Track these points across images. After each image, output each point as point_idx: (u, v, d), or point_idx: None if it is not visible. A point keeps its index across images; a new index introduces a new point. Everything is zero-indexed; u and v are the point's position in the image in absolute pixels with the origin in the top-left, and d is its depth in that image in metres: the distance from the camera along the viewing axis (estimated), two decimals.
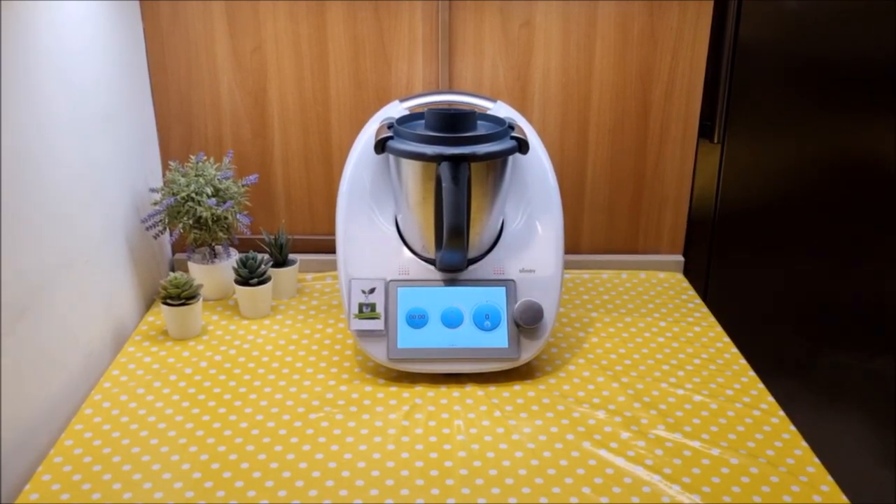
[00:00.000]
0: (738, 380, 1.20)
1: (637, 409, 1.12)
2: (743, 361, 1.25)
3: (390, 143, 1.16)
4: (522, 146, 1.17)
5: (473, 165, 1.12)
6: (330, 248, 1.32)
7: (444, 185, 1.10)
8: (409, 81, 1.47)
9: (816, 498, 0.95)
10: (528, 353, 1.18)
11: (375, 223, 1.24)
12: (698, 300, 1.46)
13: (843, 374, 1.79)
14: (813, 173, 1.65)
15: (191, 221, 1.33)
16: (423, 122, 1.21)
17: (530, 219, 1.25)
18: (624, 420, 1.10)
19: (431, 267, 1.21)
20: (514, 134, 1.18)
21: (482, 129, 1.19)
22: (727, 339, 1.32)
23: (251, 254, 1.36)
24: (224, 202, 1.34)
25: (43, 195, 1.06)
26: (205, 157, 1.40)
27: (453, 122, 1.15)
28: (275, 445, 1.04)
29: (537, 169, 1.26)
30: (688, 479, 0.98)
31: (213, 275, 1.41)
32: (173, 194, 1.34)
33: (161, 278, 1.31)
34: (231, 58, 1.44)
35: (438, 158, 1.11)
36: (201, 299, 1.31)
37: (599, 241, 1.59)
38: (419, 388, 1.17)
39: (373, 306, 1.18)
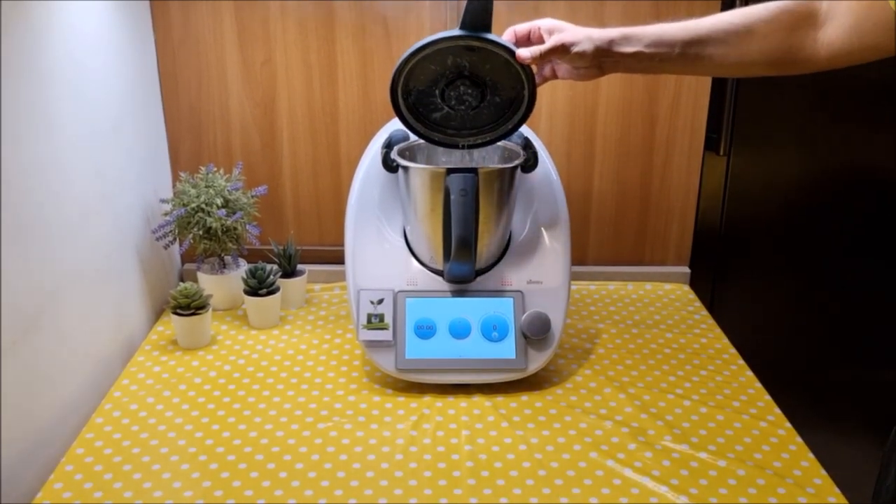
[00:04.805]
0: (745, 391, 1.20)
1: (644, 420, 1.13)
2: (749, 373, 1.25)
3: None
4: (530, 159, 1.17)
5: (481, 177, 1.13)
6: (338, 259, 1.32)
7: (452, 196, 1.11)
8: None
9: None
10: (536, 363, 1.19)
11: (384, 234, 1.25)
12: (704, 312, 1.47)
13: (849, 386, 1.79)
14: (819, 185, 1.65)
15: (200, 232, 1.34)
16: None
17: (537, 230, 1.25)
18: (631, 431, 1.10)
19: (439, 278, 1.22)
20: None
21: None
22: (733, 351, 1.32)
23: (260, 264, 1.37)
24: (233, 213, 1.35)
25: (53, 206, 1.06)
26: (214, 169, 1.41)
27: None
28: (283, 455, 1.04)
29: (544, 181, 1.27)
30: (695, 490, 0.98)
31: (222, 285, 1.42)
32: (183, 205, 1.35)
33: (170, 288, 1.32)
34: (241, 69, 1.46)
35: (447, 170, 1.12)
36: (210, 309, 1.32)
37: (606, 253, 1.60)
38: (427, 399, 1.17)
39: (381, 317, 1.19)
